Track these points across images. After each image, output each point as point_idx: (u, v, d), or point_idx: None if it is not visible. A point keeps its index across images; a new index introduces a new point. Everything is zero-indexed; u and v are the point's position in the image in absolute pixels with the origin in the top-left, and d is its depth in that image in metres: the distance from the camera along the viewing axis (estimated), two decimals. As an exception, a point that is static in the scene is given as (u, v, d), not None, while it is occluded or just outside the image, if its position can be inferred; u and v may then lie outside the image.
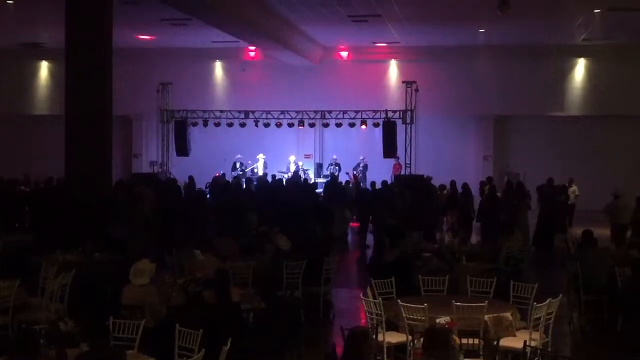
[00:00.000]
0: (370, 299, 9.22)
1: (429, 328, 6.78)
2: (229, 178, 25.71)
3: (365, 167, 27.14)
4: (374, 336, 8.29)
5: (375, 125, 26.08)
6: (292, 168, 27.52)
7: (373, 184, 22.13)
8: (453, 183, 21.30)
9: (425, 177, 23.37)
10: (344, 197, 21.69)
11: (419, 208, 18.93)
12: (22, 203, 18.68)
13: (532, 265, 15.92)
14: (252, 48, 28.24)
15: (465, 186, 21.47)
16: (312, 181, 26.21)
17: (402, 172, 25.63)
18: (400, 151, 25.82)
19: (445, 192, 21.50)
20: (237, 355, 7.43)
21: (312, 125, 26.94)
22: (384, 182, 22.12)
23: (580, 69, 28.24)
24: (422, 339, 7.56)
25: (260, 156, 27.78)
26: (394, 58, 29.02)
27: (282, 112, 26.60)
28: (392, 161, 26.27)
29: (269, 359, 9.58)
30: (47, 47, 28.01)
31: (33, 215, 17.91)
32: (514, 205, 19.40)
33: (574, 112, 28.37)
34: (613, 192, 17.83)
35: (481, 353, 8.33)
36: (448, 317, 8.37)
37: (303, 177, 26.31)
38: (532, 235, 19.46)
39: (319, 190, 23.76)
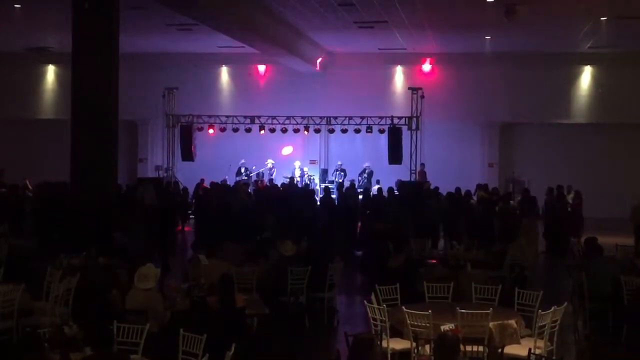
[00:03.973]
0: (375, 305, 9.21)
1: (440, 336, 6.75)
2: (230, 183, 25.75)
3: (371, 173, 27.10)
4: (378, 342, 8.26)
5: (381, 131, 26.08)
6: (297, 174, 27.53)
7: (366, 190, 22.19)
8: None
9: (425, 183, 23.41)
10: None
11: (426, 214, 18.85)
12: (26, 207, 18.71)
13: (541, 272, 15.87)
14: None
15: (469, 193, 21.51)
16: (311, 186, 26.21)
17: (409, 179, 25.57)
18: (405, 158, 25.79)
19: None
20: (241, 360, 7.43)
21: (317, 131, 26.95)
22: (389, 189, 22.10)
23: (586, 77, 28.20)
24: (427, 346, 7.55)
25: (270, 162, 27.78)
26: (400, 64, 29.03)
27: (288, 117, 26.63)
28: (397, 167, 26.14)
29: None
30: (53, 52, 28.08)
31: (37, 219, 17.93)
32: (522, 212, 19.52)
33: (579, 119, 28.33)
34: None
35: (485, 360, 8.31)
36: (452, 324, 8.35)
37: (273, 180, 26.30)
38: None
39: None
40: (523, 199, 21.02)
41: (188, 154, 27.07)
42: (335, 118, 26.47)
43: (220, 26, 20.90)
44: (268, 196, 21.94)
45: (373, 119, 26.10)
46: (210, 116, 27.20)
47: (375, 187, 24.67)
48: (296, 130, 26.72)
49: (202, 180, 25.01)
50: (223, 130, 27.03)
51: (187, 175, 26.48)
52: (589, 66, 28.04)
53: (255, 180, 26.49)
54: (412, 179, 25.58)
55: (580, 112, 28.38)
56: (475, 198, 21.91)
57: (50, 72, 30.76)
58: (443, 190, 21.26)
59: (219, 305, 8.96)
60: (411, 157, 25.84)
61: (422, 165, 26.56)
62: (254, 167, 27.84)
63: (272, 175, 27.50)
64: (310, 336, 11.39)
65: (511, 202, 21.19)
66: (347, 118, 26.29)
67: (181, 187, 24.98)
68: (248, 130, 26.86)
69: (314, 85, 28.55)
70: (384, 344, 8.77)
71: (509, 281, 12.02)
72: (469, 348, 8.11)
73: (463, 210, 19.51)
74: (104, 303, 9.71)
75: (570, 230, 20.62)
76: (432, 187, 22.65)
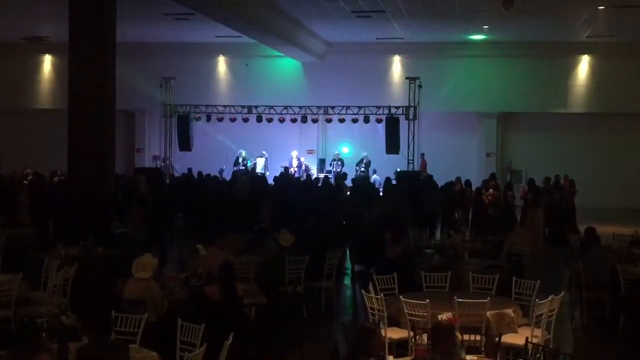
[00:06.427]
0: (373, 295, 9.22)
1: (434, 324, 6.77)
2: (228, 173, 25.74)
3: (369, 163, 27.08)
4: (380, 332, 8.27)
5: (378, 121, 26.05)
6: (295, 164, 27.50)
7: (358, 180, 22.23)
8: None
9: (422, 173, 23.40)
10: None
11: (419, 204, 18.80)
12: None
13: (538, 261, 15.86)
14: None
15: (468, 183, 21.52)
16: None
17: (406, 169, 25.56)
18: (403, 147, 25.76)
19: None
20: (239, 350, 7.43)
21: (315, 120, 26.91)
22: (387, 179, 22.10)
23: (584, 66, 28.17)
24: (425, 335, 7.56)
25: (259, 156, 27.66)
26: (398, 54, 28.98)
27: (285, 107, 26.59)
28: (395, 157, 26.13)
29: (271, 354, 9.59)
30: (50, 41, 28.02)
31: (35, 210, 17.90)
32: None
33: (577, 109, 28.31)
34: None
35: (483, 349, 8.32)
36: (450, 313, 8.36)
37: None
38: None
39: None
40: (530, 189, 21.02)
41: (185, 144, 27.05)
42: (333, 108, 26.44)
43: (217, 16, 20.85)
44: (263, 187, 21.92)
45: (370, 108, 26.06)
46: (207, 106, 27.16)
47: (372, 177, 24.73)
48: (294, 120, 26.68)
49: (189, 170, 24.86)
50: (220, 120, 26.99)
51: (185, 165, 26.44)
52: (586, 55, 28.01)
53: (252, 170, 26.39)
54: (410, 169, 25.57)
55: (578, 101, 28.37)
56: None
57: (47, 62, 30.67)
58: (440, 181, 21.26)
59: (220, 293, 8.95)
60: (409, 147, 25.82)
61: (422, 155, 26.53)
62: (250, 158, 27.81)
63: (255, 165, 27.35)
64: (308, 326, 11.39)
65: (509, 192, 21.17)
66: (345, 108, 26.26)
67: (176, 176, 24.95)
68: (245, 120, 26.83)
69: (312, 75, 28.49)
70: (382, 333, 8.78)
71: (506, 270, 12.04)
72: (466, 337, 8.12)
73: (461, 201, 19.51)
74: (102, 293, 9.72)
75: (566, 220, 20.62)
76: (428, 177, 22.63)
